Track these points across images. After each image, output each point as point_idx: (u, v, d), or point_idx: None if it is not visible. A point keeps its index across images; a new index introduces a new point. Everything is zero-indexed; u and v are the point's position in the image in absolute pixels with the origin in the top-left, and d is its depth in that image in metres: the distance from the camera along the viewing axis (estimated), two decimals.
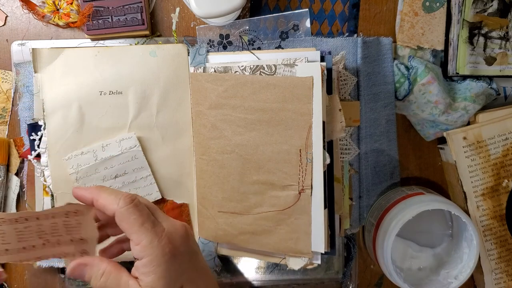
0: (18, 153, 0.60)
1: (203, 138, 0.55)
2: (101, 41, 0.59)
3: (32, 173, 0.59)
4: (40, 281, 0.62)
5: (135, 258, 0.38)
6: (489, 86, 0.62)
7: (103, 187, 0.40)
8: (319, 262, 0.53)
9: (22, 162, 0.60)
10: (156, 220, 0.39)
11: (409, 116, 0.63)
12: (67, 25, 0.59)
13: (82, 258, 0.40)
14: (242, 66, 0.53)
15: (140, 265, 0.37)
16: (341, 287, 0.64)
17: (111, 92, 0.56)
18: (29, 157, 0.57)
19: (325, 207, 0.52)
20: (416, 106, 0.61)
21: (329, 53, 0.59)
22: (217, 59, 0.56)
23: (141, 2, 0.57)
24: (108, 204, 0.38)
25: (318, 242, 0.51)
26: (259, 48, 0.59)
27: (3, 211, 0.61)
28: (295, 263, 0.54)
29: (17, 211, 0.61)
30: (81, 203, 0.41)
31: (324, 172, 0.51)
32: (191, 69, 0.56)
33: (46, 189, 0.58)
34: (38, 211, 0.39)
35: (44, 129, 0.56)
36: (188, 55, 0.56)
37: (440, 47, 0.62)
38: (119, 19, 0.58)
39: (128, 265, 0.40)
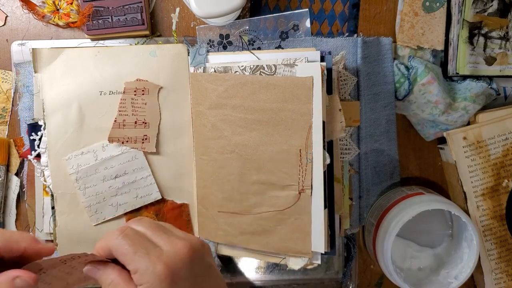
0: (18, 153, 0.60)
1: (203, 138, 0.55)
2: (101, 41, 0.59)
3: (32, 173, 0.59)
4: None
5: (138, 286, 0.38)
6: (489, 86, 0.62)
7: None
8: (319, 262, 0.53)
9: (22, 162, 0.60)
10: (152, 245, 0.38)
11: (409, 116, 0.63)
12: (67, 25, 0.59)
13: (97, 262, 0.39)
14: (242, 66, 0.53)
15: None
16: (341, 287, 0.64)
17: (111, 92, 0.56)
18: (29, 157, 0.57)
19: (325, 207, 0.52)
20: (416, 106, 0.61)
21: (329, 53, 0.59)
22: (217, 59, 0.56)
23: (141, 2, 0.57)
24: (109, 244, 0.38)
25: (318, 242, 0.51)
26: (259, 48, 0.59)
27: (3, 211, 0.61)
28: (295, 263, 0.54)
29: (17, 211, 0.61)
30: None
31: (324, 172, 0.51)
32: (191, 69, 0.56)
33: (46, 189, 0.58)
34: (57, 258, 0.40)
35: (44, 129, 0.56)
36: (188, 55, 0.56)
37: (440, 47, 0.62)
38: (119, 19, 0.58)
39: None
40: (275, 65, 0.52)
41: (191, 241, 0.40)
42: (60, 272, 0.39)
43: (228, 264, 0.63)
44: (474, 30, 0.60)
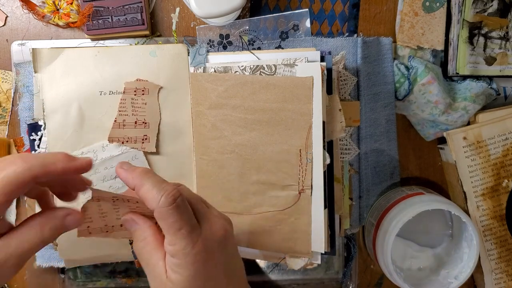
0: (18, 153, 0.60)
1: (203, 138, 0.55)
2: (101, 41, 0.59)
3: None
4: (40, 281, 0.62)
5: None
6: (489, 86, 0.62)
7: (148, 174, 0.38)
8: (319, 262, 0.53)
9: None
10: (195, 224, 0.38)
11: (409, 116, 0.63)
12: (67, 25, 0.59)
13: (137, 216, 0.40)
14: (242, 66, 0.53)
15: (170, 261, 0.37)
16: (341, 287, 0.64)
17: (111, 92, 0.56)
18: None
19: (325, 207, 0.52)
20: (416, 106, 0.61)
21: (329, 53, 0.59)
22: (217, 59, 0.56)
23: (141, 2, 0.57)
24: (149, 198, 0.37)
25: (318, 242, 0.52)
26: (259, 48, 0.59)
27: None
28: (295, 263, 0.54)
29: (17, 211, 0.61)
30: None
31: (324, 172, 0.51)
32: (191, 69, 0.56)
33: None
34: (119, 194, 0.40)
35: (44, 129, 0.56)
36: (188, 55, 0.56)
37: (440, 47, 0.62)
38: (119, 19, 0.58)
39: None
40: (275, 65, 0.52)
41: (226, 220, 0.40)
42: (103, 210, 0.39)
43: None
44: (474, 30, 0.60)
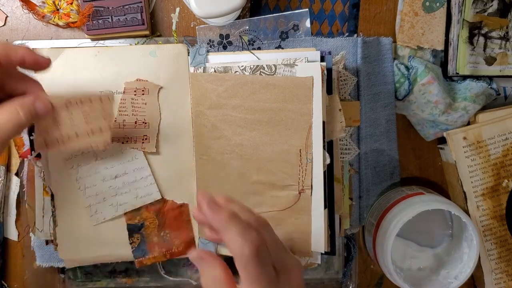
0: (18, 153, 0.60)
1: (203, 138, 0.55)
2: (101, 41, 0.59)
3: (32, 173, 0.59)
4: (40, 281, 0.62)
5: None
6: (489, 86, 0.62)
7: (233, 219, 0.38)
8: (319, 262, 0.53)
9: (22, 162, 0.60)
10: (273, 276, 0.38)
11: (409, 116, 0.63)
12: (67, 25, 0.59)
13: (204, 253, 0.40)
14: (242, 66, 0.53)
15: None
16: (341, 287, 0.64)
17: (111, 92, 0.56)
18: (29, 157, 0.57)
19: (325, 207, 0.52)
20: (416, 106, 0.61)
21: (329, 53, 0.59)
22: (217, 59, 0.56)
23: (141, 2, 0.57)
24: (233, 245, 0.37)
25: (318, 242, 0.52)
26: (259, 48, 0.59)
27: (3, 211, 0.61)
28: None
29: (17, 211, 0.61)
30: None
31: (324, 172, 0.51)
32: (191, 69, 0.56)
33: (46, 189, 0.58)
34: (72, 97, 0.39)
35: None
36: (188, 55, 0.56)
37: (440, 47, 0.62)
38: (119, 19, 0.58)
39: None
40: (275, 65, 0.52)
41: (300, 267, 0.41)
42: (57, 118, 0.39)
43: (228, 264, 0.63)
44: (474, 30, 0.60)
